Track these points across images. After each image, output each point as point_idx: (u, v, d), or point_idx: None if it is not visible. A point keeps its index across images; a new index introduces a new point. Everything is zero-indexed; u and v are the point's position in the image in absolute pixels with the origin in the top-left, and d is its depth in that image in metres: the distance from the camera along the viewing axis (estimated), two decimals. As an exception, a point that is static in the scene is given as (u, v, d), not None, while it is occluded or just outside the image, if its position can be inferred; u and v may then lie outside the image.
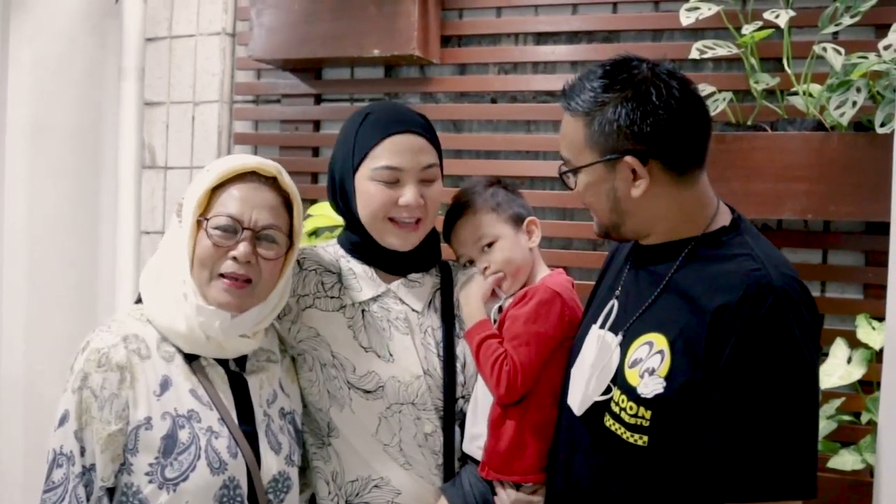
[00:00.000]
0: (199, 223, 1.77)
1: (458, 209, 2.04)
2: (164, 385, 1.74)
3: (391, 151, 1.91)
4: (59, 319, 3.49)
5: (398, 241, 1.96)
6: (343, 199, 1.98)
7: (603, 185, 1.65)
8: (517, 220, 2.02)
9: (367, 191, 1.92)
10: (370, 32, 2.94)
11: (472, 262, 2.03)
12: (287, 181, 1.83)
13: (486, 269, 1.99)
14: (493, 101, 3.05)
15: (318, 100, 3.30)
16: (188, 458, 1.70)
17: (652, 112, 1.58)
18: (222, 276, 1.76)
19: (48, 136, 3.53)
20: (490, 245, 1.99)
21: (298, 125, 3.30)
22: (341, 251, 2.05)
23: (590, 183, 1.66)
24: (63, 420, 1.70)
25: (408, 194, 1.91)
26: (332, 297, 1.99)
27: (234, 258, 1.75)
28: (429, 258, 2.06)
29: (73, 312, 3.51)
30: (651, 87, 1.59)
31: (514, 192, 2.07)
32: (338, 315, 1.98)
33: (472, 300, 1.97)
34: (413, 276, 2.03)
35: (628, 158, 1.60)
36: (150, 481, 1.69)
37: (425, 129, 1.97)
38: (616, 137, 1.60)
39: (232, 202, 1.77)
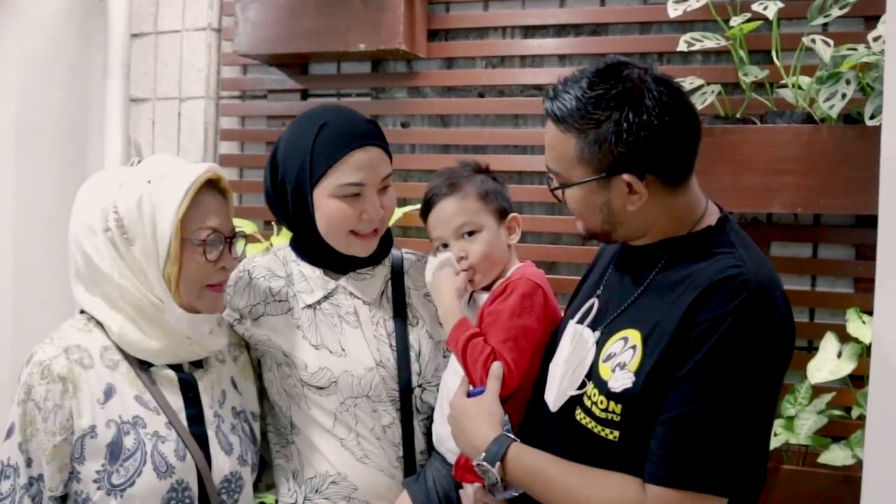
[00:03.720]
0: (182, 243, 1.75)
1: (444, 188, 1.96)
2: (108, 393, 1.74)
3: (354, 168, 1.88)
4: (46, 318, 3.45)
5: (361, 251, 1.96)
6: (299, 211, 1.93)
7: (596, 199, 1.61)
8: (502, 214, 1.96)
9: (329, 208, 1.89)
10: (356, 27, 2.93)
11: (445, 246, 1.96)
12: (226, 181, 1.85)
13: (461, 258, 1.93)
14: (481, 95, 3.03)
15: (305, 95, 3.28)
16: (134, 464, 1.71)
17: (647, 128, 1.53)
18: (211, 286, 1.79)
19: (34, 134, 3.51)
20: (471, 234, 1.93)
21: (285, 121, 3.26)
22: (292, 255, 2.04)
23: (582, 198, 1.62)
24: (9, 432, 1.72)
25: (371, 209, 1.90)
26: (279, 301, 1.99)
27: (223, 268, 1.79)
28: (379, 252, 2.02)
29: (59, 311, 3.46)
30: (646, 101, 1.53)
31: (502, 183, 2.02)
32: (286, 317, 1.98)
33: (445, 297, 1.90)
34: (362, 269, 2.01)
35: (625, 176, 1.55)
36: (98, 488, 1.70)
37: (379, 139, 1.95)
38: (611, 155, 1.55)
39: (209, 216, 1.78)
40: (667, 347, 1.51)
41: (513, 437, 1.67)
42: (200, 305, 1.79)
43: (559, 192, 1.66)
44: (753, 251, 1.60)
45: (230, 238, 1.81)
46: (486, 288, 1.95)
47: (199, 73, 3.36)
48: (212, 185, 1.80)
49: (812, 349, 2.46)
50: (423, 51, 3.02)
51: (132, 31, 3.42)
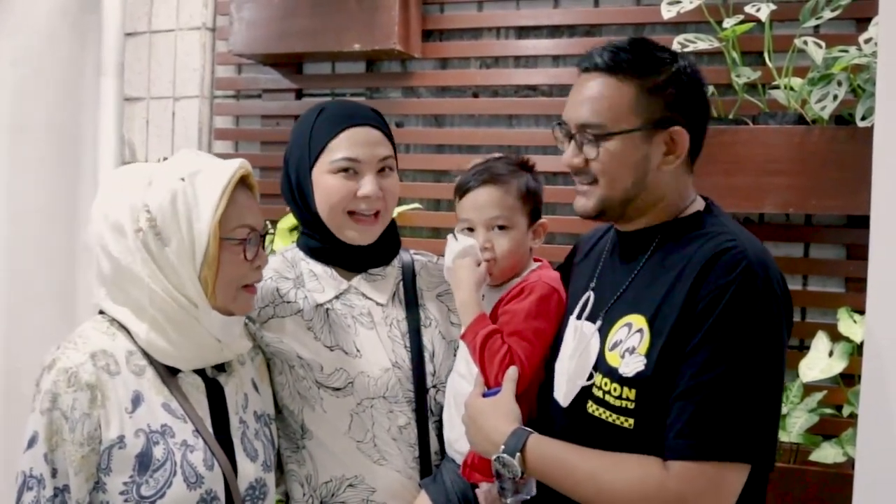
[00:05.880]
0: (220, 242, 1.71)
1: (488, 174, 1.94)
2: (136, 401, 1.69)
3: (349, 144, 1.90)
4: (39, 317, 3.45)
5: (358, 234, 1.95)
6: (301, 197, 1.96)
7: (634, 154, 1.62)
8: (534, 217, 1.97)
9: (326, 184, 1.90)
10: (351, 27, 2.93)
11: (470, 230, 1.95)
12: (253, 177, 1.82)
13: (485, 248, 1.91)
14: (475, 95, 3.04)
15: (300, 95, 3.28)
16: (164, 475, 1.66)
17: (699, 91, 1.62)
18: (245, 286, 1.76)
19: (27, 132, 3.48)
20: (502, 228, 1.92)
21: (279, 120, 3.28)
22: (300, 254, 2.04)
23: (622, 150, 1.62)
24: (32, 442, 1.64)
25: (367, 185, 1.90)
26: (288, 303, 1.98)
27: (258, 267, 1.76)
28: (389, 251, 2.04)
29: (52, 310, 3.47)
30: (696, 69, 1.64)
31: (541, 185, 2.01)
32: (296, 318, 1.97)
33: (465, 288, 1.89)
34: (374, 270, 2.01)
35: (676, 129, 1.59)
36: (126, 500, 1.65)
37: (380, 123, 1.98)
38: (666, 107, 1.60)
39: (245, 213, 1.74)
40: (674, 326, 1.53)
41: (530, 429, 1.67)
42: (235, 307, 1.75)
43: (590, 149, 1.64)
44: (742, 229, 1.64)
45: (263, 235, 1.78)
46: (496, 286, 1.96)
47: (194, 73, 3.36)
48: (241, 182, 1.77)
49: (804, 348, 2.48)
50: (418, 51, 3.03)
51: (126, 29, 3.40)
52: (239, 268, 1.73)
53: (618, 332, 1.63)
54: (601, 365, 1.63)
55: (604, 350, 1.64)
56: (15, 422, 3.35)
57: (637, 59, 1.61)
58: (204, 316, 1.71)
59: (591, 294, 1.75)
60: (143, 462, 1.66)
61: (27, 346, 3.43)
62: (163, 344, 1.71)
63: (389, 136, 1.98)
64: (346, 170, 1.89)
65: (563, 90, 2.87)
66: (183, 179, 1.70)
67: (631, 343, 1.59)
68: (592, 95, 1.64)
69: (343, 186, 1.89)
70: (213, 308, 1.72)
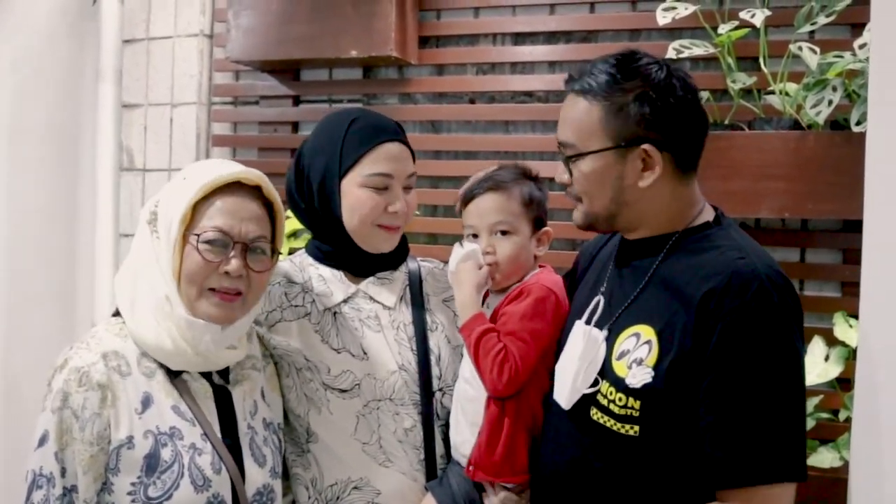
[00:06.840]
0: (184, 237, 1.72)
1: (491, 182, 1.99)
2: (146, 402, 1.71)
3: (384, 159, 1.93)
4: (38, 320, 3.47)
5: (386, 244, 1.99)
6: (323, 203, 1.96)
7: (610, 172, 1.65)
8: (538, 224, 2.00)
9: (357, 197, 1.92)
10: (348, 33, 2.94)
11: (475, 236, 1.99)
12: (271, 189, 1.80)
13: (488, 253, 1.96)
14: (472, 101, 3.05)
15: (297, 101, 3.29)
16: (171, 477, 1.67)
17: (674, 105, 1.62)
18: (212, 290, 1.74)
19: (26, 136, 3.51)
20: (504, 233, 1.96)
21: (277, 127, 3.29)
22: (309, 259, 2.06)
23: (595, 169, 1.66)
24: (42, 441, 1.66)
25: (398, 203, 1.94)
26: (295, 306, 2.00)
27: (226, 273, 1.73)
28: (398, 256, 2.07)
29: (52, 314, 3.49)
30: (672, 80, 1.63)
31: (545, 194, 2.05)
32: (303, 322, 1.99)
33: (466, 289, 1.93)
34: (381, 273, 2.04)
35: (646, 146, 1.61)
36: (133, 501, 1.66)
37: (405, 138, 2.01)
38: (635, 125, 1.62)
39: (219, 215, 1.73)
40: (685, 341, 1.54)
41: None
42: (199, 308, 1.72)
43: (571, 167, 1.70)
44: (751, 242, 1.65)
45: (246, 245, 1.74)
46: (500, 292, 1.99)
47: (191, 79, 3.37)
48: (250, 191, 1.77)
49: (800, 352, 2.48)
50: (415, 57, 3.04)
51: (124, 36, 3.42)
52: (200, 268, 1.72)
53: (625, 341, 1.64)
54: (607, 373, 1.64)
55: (610, 358, 1.65)
56: (14, 420, 3.38)
57: (604, 80, 1.64)
58: (175, 311, 1.72)
59: (600, 298, 1.76)
60: (151, 463, 1.67)
61: (27, 346, 3.45)
62: (150, 336, 1.72)
63: (412, 151, 2.02)
64: (378, 185, 1.92)
65: (559, 96, 2.86)
66: (185, 179, 1.76)
67: (639, 354, 1.60)
68: (568, 116, 1.70)
69: (374, 200, 1.92)
70: (187, 306, 1.72)
